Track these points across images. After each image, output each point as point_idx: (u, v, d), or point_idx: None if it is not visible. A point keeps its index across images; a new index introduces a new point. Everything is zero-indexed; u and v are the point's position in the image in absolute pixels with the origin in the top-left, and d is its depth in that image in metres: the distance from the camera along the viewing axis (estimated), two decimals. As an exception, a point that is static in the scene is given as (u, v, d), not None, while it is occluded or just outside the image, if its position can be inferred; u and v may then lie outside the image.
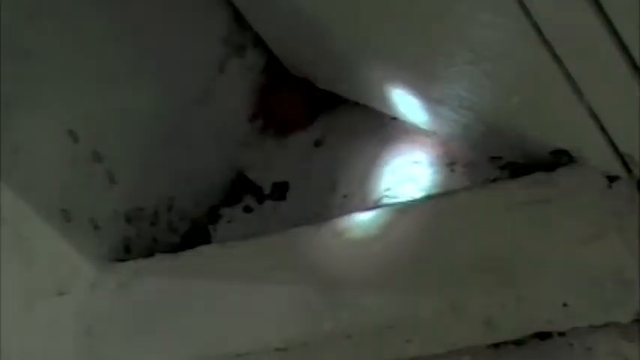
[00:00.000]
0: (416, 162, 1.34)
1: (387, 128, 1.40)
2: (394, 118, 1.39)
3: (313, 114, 1.51)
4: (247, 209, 1.45)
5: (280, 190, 1.45)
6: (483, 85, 1.02)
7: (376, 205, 1.31)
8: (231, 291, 1.15)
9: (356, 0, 1.09)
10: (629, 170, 0.99)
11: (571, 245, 1.00)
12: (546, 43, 0.83)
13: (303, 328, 1.08)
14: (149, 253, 1.27)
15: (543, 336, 1.07)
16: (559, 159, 1.06)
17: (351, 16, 1.14)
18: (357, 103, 1.45)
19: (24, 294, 1.24)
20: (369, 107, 1.42)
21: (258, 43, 1.48)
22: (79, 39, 1.17)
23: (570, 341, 1.05)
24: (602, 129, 0.93)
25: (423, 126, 1.30)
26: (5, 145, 1.08)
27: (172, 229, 1.38)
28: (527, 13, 0.80)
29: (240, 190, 1.49)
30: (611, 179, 1.01)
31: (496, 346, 1.08)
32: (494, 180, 1.19)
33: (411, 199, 1.24)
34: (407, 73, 1.18)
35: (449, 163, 1.31)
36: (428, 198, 1.19)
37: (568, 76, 0.87)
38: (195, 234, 1.42)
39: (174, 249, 1.31)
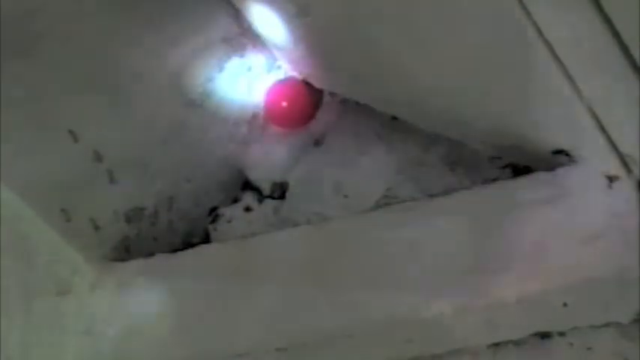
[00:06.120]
0: (416, 162, 1.35)
1: (387, 128, 1.41)
2: (394, 118, 1.40)
3: (313, 114, 1.51)
4: (247, 209, 1.45)
5: (280, 190, 1.45)
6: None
7: (376, 205, 1.31)
8: (231, 291, 1.15)
9: None
10: (629, 170, 0.99)
11: (571, 245, 1.00)
12: (546, 43, 0.83)
13: (303, 328, 1.08)
14: (149, 253, 1.27)
15: (543, 336, 1.07)
16: (559, 159, 1.06)
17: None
18: (357, 103, 1.45)
19: (24, 294, 1.24)
20: (370, 107, 1.42)
21: (258, 43, 1.48)
22: (79, 38, 1.17)
23: (570, 341, 1.06)
24: (602, 129, 0.93)
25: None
26: (5, 145, 1.08)
27: (172, 229, 1.38)
28: (527, 13, 0.80)
29: (240, 189, 1.49)
30: (611, 179, 1.02)
31: (496, 346, 1.08)
32: (495, 180, 1.19)
33: (411, 199, 1.24)
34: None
35: (449, 163, 1.31)
36: (428, 198, 1.19)
37: (568, 76, 0.87)
38: (195, 234, 1.42)
39: (174, 249, 1.31)
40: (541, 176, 1.07)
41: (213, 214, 1.45)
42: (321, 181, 1.41)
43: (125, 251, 1.29)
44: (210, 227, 1.44)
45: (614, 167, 1.00)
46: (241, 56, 1.47)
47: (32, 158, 1.14)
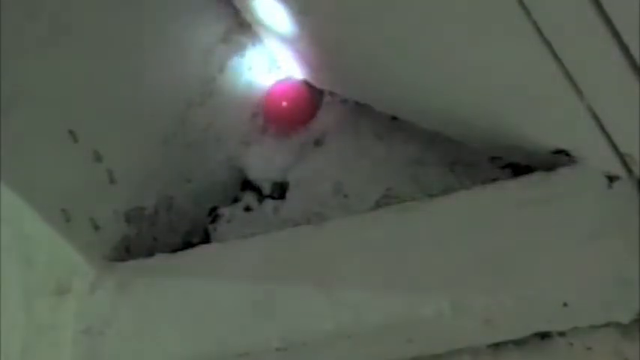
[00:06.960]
0: (416, 162, 1.34)
1: (387, 128, 1.40)
2: (394, 118, 1.40)
3: (313, 114, 1.51)
4: (247, 209, 1.45)
5: (280, 190, 1.45)
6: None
7: (376, 205, 1.31)
8: (231, 291, 1.15)
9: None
10: (629, 170, 0.99)
11: (571, 245, 1.00)
12: (546, 43, 0.83)
13: (303, 328, 1.08)
14: (149, 253, 1.27)
15: (543, 336, 1.07)
16: (559, 159, 1.06)
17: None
18: (357, 103, 1.45)
19: (24, 294, 1.24)
20: (370, 107, 1.42)
21: (258, 43, 1.48)
22: (79, 39, 1.17)
23: (570, 341, 1.06)
24: (602, 129, 0.93)
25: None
26: (5, 145, 1.08)
27: (172, 229, 1.38)
28: (527, 13, 0.80)
29: (240, 189, 1.49)
30: (611, 179, 1.01)
31: (496, 346, 1.08)
32: (495, 180, 1.19)
33: (411, 199, 1.24)
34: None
35: (449, 163, 1.31)
36: (428, 198, 1.19)
37: (568, 76, 0.87)
38: (195, 234, 1.42)
39: (174, 249, 1.31)
40: (541, 176, 1.07)
41: (213, 214, 1.45)
42: (321, 181, 1.41)
43: (125, 251, 1.29)
44: (210, 227, 1.44)
45: (614, 167, 1.00)
46: (241, 56, 1.47)
47: (32, 158, 1.14)
